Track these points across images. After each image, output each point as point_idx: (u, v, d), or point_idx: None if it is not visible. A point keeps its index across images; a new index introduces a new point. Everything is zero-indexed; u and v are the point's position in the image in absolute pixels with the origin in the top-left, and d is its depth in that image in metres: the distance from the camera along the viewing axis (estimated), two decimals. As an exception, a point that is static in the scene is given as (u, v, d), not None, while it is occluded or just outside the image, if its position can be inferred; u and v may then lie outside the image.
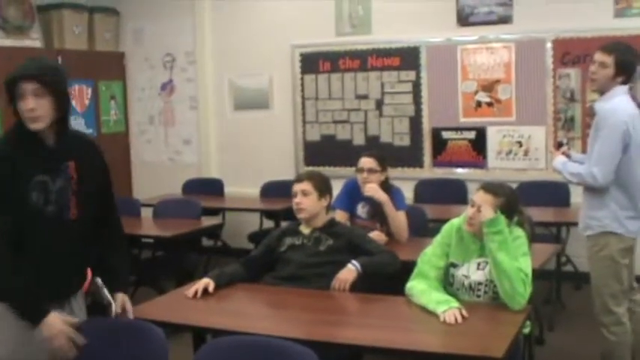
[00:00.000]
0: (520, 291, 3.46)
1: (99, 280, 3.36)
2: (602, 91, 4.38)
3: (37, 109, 2.95)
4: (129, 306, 3.29)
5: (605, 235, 4.35)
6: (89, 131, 8.67)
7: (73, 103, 8.61)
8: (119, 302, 3.25)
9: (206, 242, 7.91)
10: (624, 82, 4.33)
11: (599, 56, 4.34)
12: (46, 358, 3.02)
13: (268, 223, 7.54)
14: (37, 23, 8.54)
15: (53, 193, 3.04)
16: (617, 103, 4.28)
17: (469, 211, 3.68)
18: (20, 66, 3.00)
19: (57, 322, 2.97)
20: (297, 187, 4.28)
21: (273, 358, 2.82)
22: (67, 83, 3.12)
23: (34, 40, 8.44)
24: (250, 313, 3.78)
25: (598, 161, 4.23)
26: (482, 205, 3.62)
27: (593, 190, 4.35)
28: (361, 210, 5.28)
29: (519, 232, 3.68)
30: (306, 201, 4.23)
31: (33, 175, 3.00)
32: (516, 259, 3.53)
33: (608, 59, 4.28)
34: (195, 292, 3.91)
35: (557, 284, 6.28)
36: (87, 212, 3.17)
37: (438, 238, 3.83)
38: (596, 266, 4.42)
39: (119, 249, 3.41)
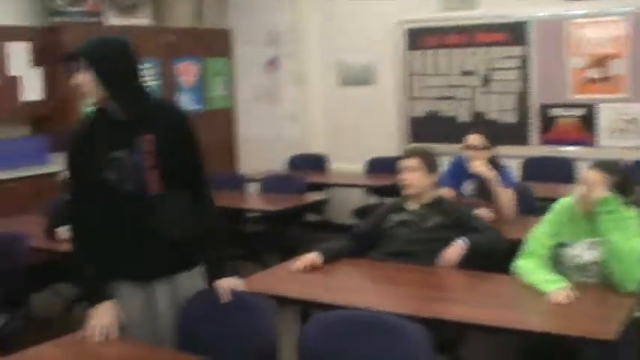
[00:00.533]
0: (633, 272, 3.37)
1: None
2: None
3: (81, 85, 3.00)
4: (238, 284, 3.24)
5: None
6: (196, 107, 8.82)
7: (181, 79, 8.78)
8: (226, 289, 3.17)
9: (310, 217, 7.97)
10: None
11: None
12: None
13: (373, 199, 7.54)
14: (147, 2, 8.72)
15: (130, 169, 3.04)
16: None
17: (581, 189, 3.60)
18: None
19: (104, 313, 3.05)
20: (404, 164, 4.25)
21: (385, 334, 2.82)
22: (124, 60, 3.06)
23: (143, 19, 8.62)
24: (356, 287, 3.80)
25: None
26: (595, 183, 3.53)
27: None
28: (468, 187, 5.23)
29: (633, 212, 3.58)
30: (413, 177, 4.20)
31: (106, 152, 3.03)
32: (630, 240, 3.43)
33: None
34: (302, 266, 3.95)
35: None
36: (171, 187, 3.12)
37: (549, 216, 3.76)
38: None
39: (214, 232, 3.27)
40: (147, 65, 8.06)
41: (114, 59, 3.02)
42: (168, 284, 3.18)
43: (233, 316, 3.14)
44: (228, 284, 3.19)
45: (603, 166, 3.60)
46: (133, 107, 3.06)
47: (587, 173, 3.62)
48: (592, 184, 3.53)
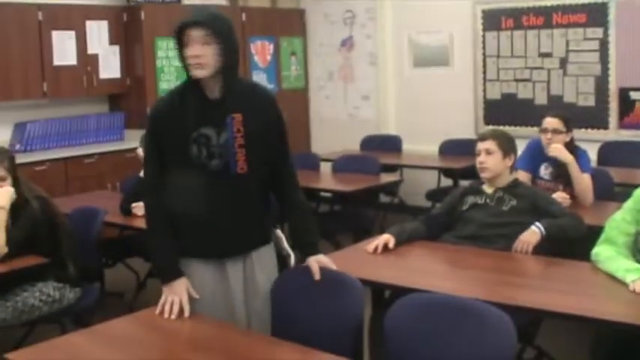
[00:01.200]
0: None
1: (278, 232, 3.42)
2: None
3: (202, 55, 2.95)
4: (329, 262, 3.26)
5: None
6: (270, 86, 8.87)
7: (256, 58, 8.84)
8: (316, 266, 3.19)
9: (383, 199, 7.95)
10: None
11: None
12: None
13: (446, 182, 7.50)
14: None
15: (217, 147, 3.04)
16: None
17: (664, 176, 3.52)
18: (189, 14, 2.98)
19: (177, 290, 3.08)
20: (481, 146, 4.20)
21: (469, 320, 2.79)
22: (235, 33, 3.06)
23: (221, -1, 8.70)
24: (430, 271, 3.78)
25: None
26: (679, 170, 3.44)
27: None
28: (544, 171, 5.15)
29: None
30: (490, 160, 4.15)
31: (194, 128, 3.03)
32: None
33: None
34: (376, 248, 3.94)
35: None
36: (257, 166, 3.12)
37: (629, 203, 3.66)
38: None
39: (300, 205, 3.32)
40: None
41: (234, 34, 3.04)
42: (241, 262, 3.20)
43: (322, 294, 3.16)
44: (319, 262, 3.22)
45: (688, 152, 3.51)
46: (233, 85, 3.06)
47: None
48: (676, 170, 3.45)
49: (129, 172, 5.87)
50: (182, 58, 3.00)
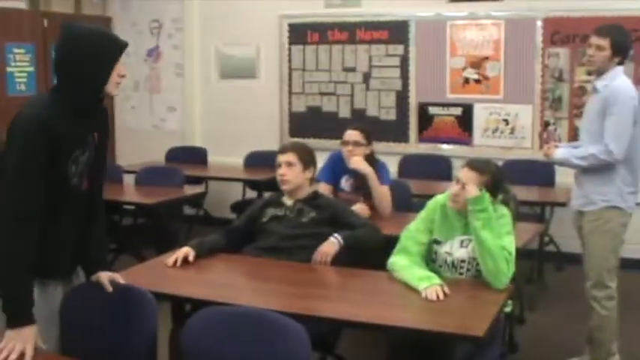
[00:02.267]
0: (503, 270, 3.44)
1: None
2: (600, 72, 4.42)
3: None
4: (117, 276, 3.14)
5: (609, 210, 4.39)
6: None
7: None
8: (107, 281, 3.07)
9: (188, 211, 7.87)
10: (620, 63, 4.40)
11: (595, 40, 4.40)
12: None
13: (251, 194, 7.52)
14: (22, -16, 8.42)
15: (80, 165, 2.92)
16: (622, 81, 4.35)
17: (454, 188, 3.65)
18: (115, 35, 3.20)
19: (25, 336, 2.70)
20: (282, 158, 4.23)
21: (264, 331, 2.80)
22: None
23: (19, 2, 8.30)
24: (230, 283, 3.75)
25: (614, 137, 4.26)
26: (467, 182, 3.58)
27: (599, 167, 4.36)
28: (345, 183, 5.24)
29: (504, 210, 3.65)
30: (290, 172, 4.18)
31: (74, 149, 2.88)
32: (500, 238, 3.50)
33: (604, 42, 4.34)
34: (175, 261, 3.87)
35: (539, 264, 6.29)
36: (95, 183, 3.06)
37: (422, 213, 3.80)
38: (597, 240, 4.44)
39: (102, 224, 3.21)
40: (22, 51, 7.82)
41: None
42: (63, 282, 3.07)
43: (113, 309, 3.05)
44: (108, 276, 3.10)
45: (475, 164, 3.66)
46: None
47: (460, 171, 3.68)
48: (464, 182, 3.59)
49: None
50: (107, 73, 2.96)
